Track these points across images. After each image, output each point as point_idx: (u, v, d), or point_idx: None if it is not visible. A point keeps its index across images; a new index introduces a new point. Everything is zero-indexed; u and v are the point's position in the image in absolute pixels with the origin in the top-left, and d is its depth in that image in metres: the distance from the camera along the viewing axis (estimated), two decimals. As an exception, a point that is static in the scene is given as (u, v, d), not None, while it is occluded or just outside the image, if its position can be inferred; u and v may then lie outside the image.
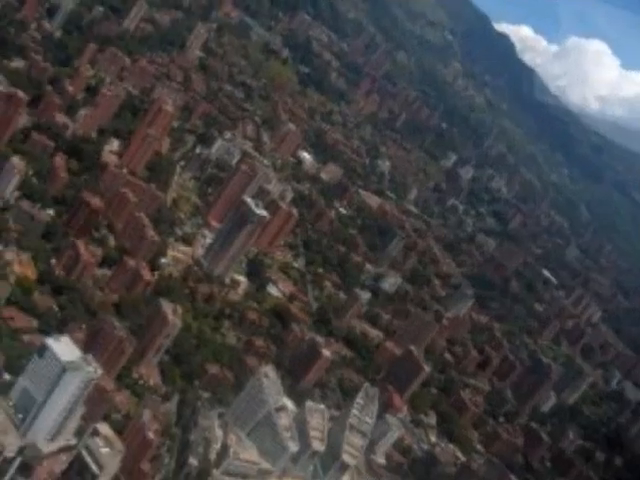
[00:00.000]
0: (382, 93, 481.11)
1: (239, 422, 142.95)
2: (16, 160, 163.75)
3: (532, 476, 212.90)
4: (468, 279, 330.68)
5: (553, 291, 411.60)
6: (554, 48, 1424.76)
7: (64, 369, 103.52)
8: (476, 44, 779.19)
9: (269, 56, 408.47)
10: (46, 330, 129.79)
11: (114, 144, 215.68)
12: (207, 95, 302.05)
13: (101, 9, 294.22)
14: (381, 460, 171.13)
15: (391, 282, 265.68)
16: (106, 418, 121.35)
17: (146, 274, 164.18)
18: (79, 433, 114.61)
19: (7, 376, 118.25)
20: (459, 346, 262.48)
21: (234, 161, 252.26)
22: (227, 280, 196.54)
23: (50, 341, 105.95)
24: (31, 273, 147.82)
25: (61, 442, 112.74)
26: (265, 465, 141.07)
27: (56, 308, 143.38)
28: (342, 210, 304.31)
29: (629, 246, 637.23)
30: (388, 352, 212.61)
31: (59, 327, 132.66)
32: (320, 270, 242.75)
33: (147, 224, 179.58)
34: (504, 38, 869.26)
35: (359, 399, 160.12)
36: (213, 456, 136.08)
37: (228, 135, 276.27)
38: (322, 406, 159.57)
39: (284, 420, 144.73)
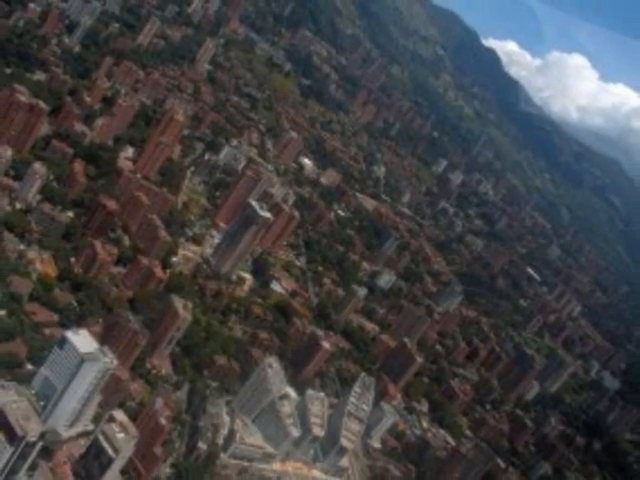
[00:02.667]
0: (378, 104, 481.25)
1: (245, 409, 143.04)
2: (38, 166, 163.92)
3: (517, 459, 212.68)
4: (458, 276, 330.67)
5: (536, 288, 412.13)
6: (537, 62, 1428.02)
7: (82, 360, 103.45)
8: (465, 58, 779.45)
9: (273, 69, 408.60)
10: (66, 324, 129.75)
11: (129, 151, 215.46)
12: (215, 105, 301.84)
13: (117, 25, 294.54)
14: (377, 444, 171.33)
15: (386, 279, 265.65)
16: (121, 405, 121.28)
17: (158, 272, 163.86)
18: (96, 419, 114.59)
19: (30, 366, 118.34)
20: (449, 339, 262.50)
21: (240, 167, 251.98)
22: (234, 277, 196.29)
23: (69, 334, 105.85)
24: (52, 271, 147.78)
25: (79, 428, 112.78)
26: (269, 449, 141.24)
27: (75, 303, 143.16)
28: (340, 212, 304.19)
29: (607, 246, 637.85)
30: (383, 344, 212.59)
31: (78, 321, 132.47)
32: (320, 268, 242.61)
33: (159, 225, 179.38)
34: (491, 53, 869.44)
35: (356, 388, 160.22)
36: (221, 441, 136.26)
37: (235, 142, 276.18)
38: (322, 394, 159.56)
39: (287, 407, 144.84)
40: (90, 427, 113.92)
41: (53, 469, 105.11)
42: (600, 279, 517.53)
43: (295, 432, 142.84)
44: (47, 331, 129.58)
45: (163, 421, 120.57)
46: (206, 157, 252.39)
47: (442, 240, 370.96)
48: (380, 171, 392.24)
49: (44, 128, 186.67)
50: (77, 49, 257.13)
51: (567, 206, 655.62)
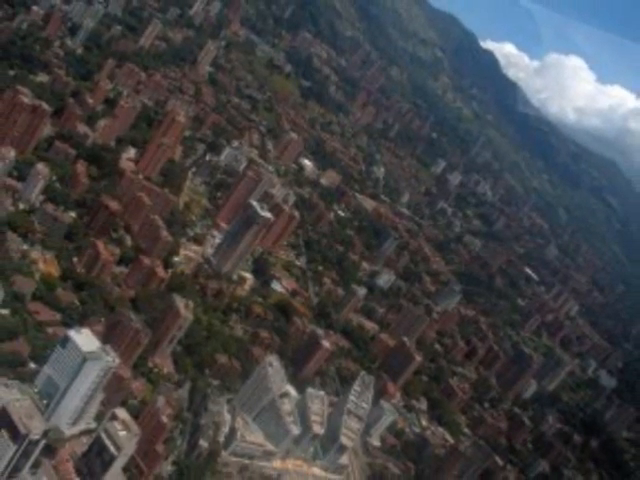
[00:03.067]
0: (377, 105, 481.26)
1: (246, 407, 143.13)
2: (41, 166, 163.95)
3: (515, 457, 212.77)
4: (456, 276, 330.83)
5: (534, 287, 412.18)
6: (535, 64, 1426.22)
7: (85, 359, 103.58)
8: (464, 60, 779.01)
9: (273, 71, 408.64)
10: (68, 323, 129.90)
11: (131, 152, 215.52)
12: (216, 107, 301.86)
13: (119, 28, 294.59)
14: (376, 442, 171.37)
15: (385, 279, 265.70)
16: (123, 404, 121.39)
17: (160, 271, 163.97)
18: (98, 417, 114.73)
19: (33, 365, 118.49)
20: (448, 338, 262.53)
21: (241, 167, 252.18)
22: (234, 277, 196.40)
23: (72, 333, 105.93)
24: (55, 271, 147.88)
25: (82, 426, 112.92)
26: (269, 447, 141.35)
27: (77, 303, 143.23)
28: (340, 213, 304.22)
29: (604, 246, 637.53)
30: (383, 343, 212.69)
31: (80, 320, 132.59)
32: (320, 268, 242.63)
33: (161, 225, 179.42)
34: (489, 55, 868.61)
35: (356, 386, 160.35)
36: (222, 439, 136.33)
37: (235, 144, 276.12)
38: (322, 393, 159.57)
39: (287, 406, 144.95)
40: (92, 425, 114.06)
41: (56, 467, 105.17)
42: (597, 279, 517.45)
43: (295, 430, 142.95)
44: (50, 330, 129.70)
45: (165, 419, 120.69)
46: (207, 158, 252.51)
47: (441, 240, 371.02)
48: (379, 172, 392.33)
49: (47, 129, 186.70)
50: (79, 51, 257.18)
51: (565, 206, 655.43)
